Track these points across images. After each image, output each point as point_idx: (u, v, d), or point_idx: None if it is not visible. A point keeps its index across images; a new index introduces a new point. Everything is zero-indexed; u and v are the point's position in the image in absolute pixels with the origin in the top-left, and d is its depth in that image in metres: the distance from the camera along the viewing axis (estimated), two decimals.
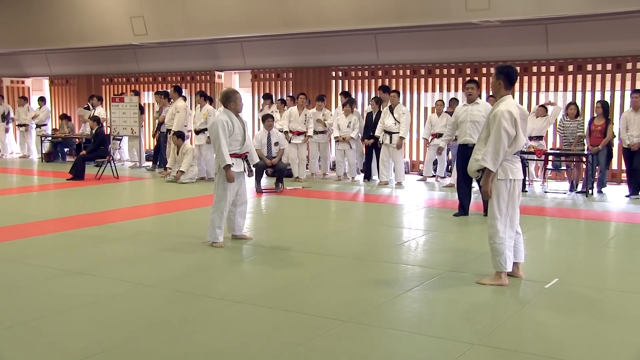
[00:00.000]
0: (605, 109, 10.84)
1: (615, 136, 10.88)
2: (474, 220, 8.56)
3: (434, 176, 12.62)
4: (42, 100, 17.68)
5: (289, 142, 12.32)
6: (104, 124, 14.72)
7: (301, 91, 13.77)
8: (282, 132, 12.11)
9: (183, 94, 13.84)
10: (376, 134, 12.04)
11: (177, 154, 12.19)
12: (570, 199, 10.38)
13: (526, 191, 10.86)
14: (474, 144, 7.98)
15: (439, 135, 12.20)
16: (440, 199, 10.32)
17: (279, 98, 14.78)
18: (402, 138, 11.83)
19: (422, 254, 6.42)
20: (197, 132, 12.63)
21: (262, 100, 14.90)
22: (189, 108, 14.16)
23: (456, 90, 13.75)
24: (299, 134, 12.58)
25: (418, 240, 7.01)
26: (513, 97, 5.46)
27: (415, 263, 6.05)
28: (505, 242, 5.18)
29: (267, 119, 11.24)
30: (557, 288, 5.17)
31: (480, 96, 8.95)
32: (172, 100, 13.44)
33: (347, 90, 14.69)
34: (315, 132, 12.92)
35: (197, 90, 14.41)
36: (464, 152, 8.33)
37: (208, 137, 12.50)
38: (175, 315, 4.47)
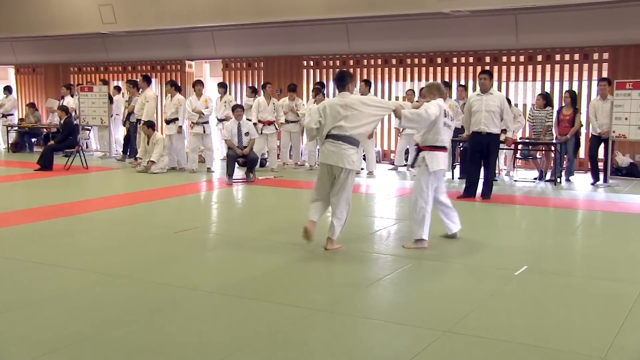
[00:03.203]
0: (573, 99, 11.02)
1: (582, 125, 11.05)
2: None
3: (405, 165, 12.69)
4: (8, 89, 17.36)
5: (260, 133, 12.29)
6: (73, 113, 14.52)
7: (271, 80, 13.73)
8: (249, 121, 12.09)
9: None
10: None
11: (148, 144, 12.08)
12: (538, 187, 10.53)
13: (496, 180, 10.99)
14: (488, 132, 8.83)
15: None
16: (412, 188, 10.37)
17: (249, 86, 14.72)
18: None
19: (394, 243, 6.46)
20: (168, 122, 12.52)
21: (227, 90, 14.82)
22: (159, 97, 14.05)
23: (427, 79, 13.81)
24: (269, 123, 12.54)
25: (390, 230, 7.06)
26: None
27: (386, 252, 6.09)
28: (310, 214, 6.11)
29: (236, 109, 11.17)
30: (526, 275, 5.25)
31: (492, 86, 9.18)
32: (141, 89, 13.31)
33: (318, 80, 14.70)
34: (287, 122, 12.90)
35: (167, 80, 14.28)
36: (477, 139, 8.99)
37: (179, 126, 12.42)
38: (147, 306, 4.45)
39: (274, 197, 9.65)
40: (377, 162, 12.81)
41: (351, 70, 14.45)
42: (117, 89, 15.68)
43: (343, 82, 6.09)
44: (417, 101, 10.28)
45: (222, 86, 14.08)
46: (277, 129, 12.68)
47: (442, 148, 6.27)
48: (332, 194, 6.11)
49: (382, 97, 14.15)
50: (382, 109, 6.15)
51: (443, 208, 6.51)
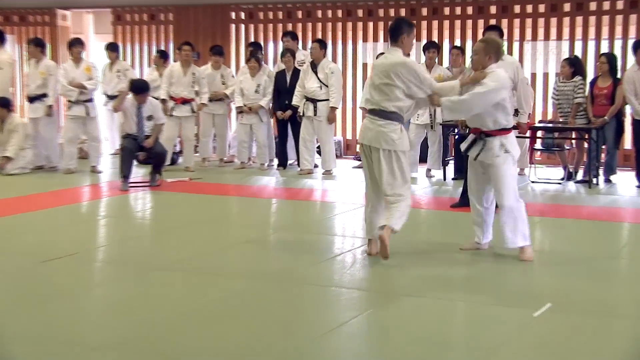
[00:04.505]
0: (612, 66, 11.10)
1: (627, 103, 11.11)
2: (445, 219, 8.72)
3: None
4: None
5: (170, 114, 12.14)
6: None
7: (187, 40, 13.62)
8: (158, 99, 11.95)
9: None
10: (294, 102, 12.08)
11: (1, 131, 11.89)
12: (566, 191, 10.69)
13: None
14: None
15: None
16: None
17: (158, 50, 14.60)
18: (332, 108, 11.93)
19: (362, 272, 6.48)
20: (32, 100, 12.33)
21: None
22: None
23: None
24: (184, 102, 12.46)
25: (355, 253, 7.06)
26: None
27: (351, 285, 6.11)
28: (365, 211, 6.95)
29: (139, 93, 10.91)
30: (549, 317, 5.29)
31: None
32: None
33: (253, 39, 14.65)
34: (210, 100, 12.76)
35: (30, 38, 14.05)
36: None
37: (49, 106, 12.22)
38: None
39: (189, 208, 9.58)
40: (337, 156, 12.86)
41: (299, 25, 14.47)
42: None
43: (396, 32, 6.82)
44: (449, 76, 10.51)
45: (113, 49, 13.92)
46: (194, 111, 12.57)
47: (512, 127, 6.92)
48: (381, 185, 6.70)
49: (344, 64, 14.21)
50: (419, 88, 6.61)
51: (488, 211, 7.04)
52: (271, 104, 12.57)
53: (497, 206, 6.96)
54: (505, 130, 6.71)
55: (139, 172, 11.38)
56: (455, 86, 6.75)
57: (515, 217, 6.68)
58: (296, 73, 12.20)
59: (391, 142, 6.54)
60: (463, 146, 6.91)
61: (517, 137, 10.16)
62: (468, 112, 6.73)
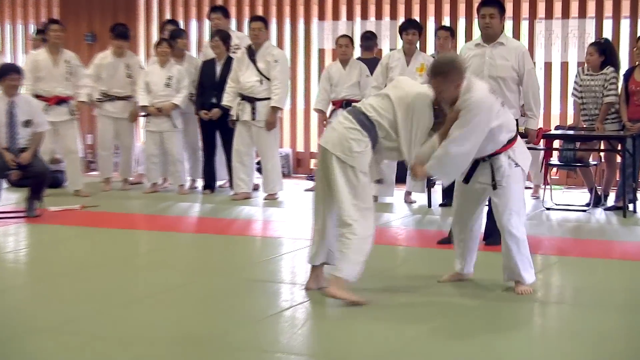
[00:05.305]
0: None
1: None
2: (429, 259, 8.74)
3: None
4: None
5: None
6: None
7: (75, 18, 13.57)
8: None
9: None
10: (225, 102, 12.06)
11: None
12: (593, 220, 10.78)
13: None
14: None
15: (347, 104, 12.18)
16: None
17: (38, 29, 14.55)
18: (275, 109, 11.95)
19: (316, 333, 6.49)
20: None
21: None
22: None
23: (378, 16, 13.95)
24: (59, 101, 12.37)
25: (308, 306, 7.06)
26: None
27: (303, 350, 6.09)
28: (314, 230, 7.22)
29: (7, 74, 10.85)
30: None
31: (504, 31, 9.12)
32: None
33: (170, 17, 14.68)
34: (106, 98, 12.76)
35: None
36: None
37: None
38: None
39: (82, 247, 9.53)
40: (284, 175, 12.86)
41: None
42: None
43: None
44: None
45: None
46: (74, 113, 12.51)
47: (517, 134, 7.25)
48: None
49: (293, 50, 14.25)
50: (404, 128, 6.79)
51: (473, 240, 7.45)
52: (194, 103, 12.58)
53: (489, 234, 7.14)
54: (510, 142, 6.89)
55: (10, 198, 11.30)
56: (434, 142, 6.82)
57: (525, 247, 7.07)
58: (229, 62, 12.17)
59: (348, 152, 6.70)
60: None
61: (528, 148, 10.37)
62: (462, 166, 6.83)
